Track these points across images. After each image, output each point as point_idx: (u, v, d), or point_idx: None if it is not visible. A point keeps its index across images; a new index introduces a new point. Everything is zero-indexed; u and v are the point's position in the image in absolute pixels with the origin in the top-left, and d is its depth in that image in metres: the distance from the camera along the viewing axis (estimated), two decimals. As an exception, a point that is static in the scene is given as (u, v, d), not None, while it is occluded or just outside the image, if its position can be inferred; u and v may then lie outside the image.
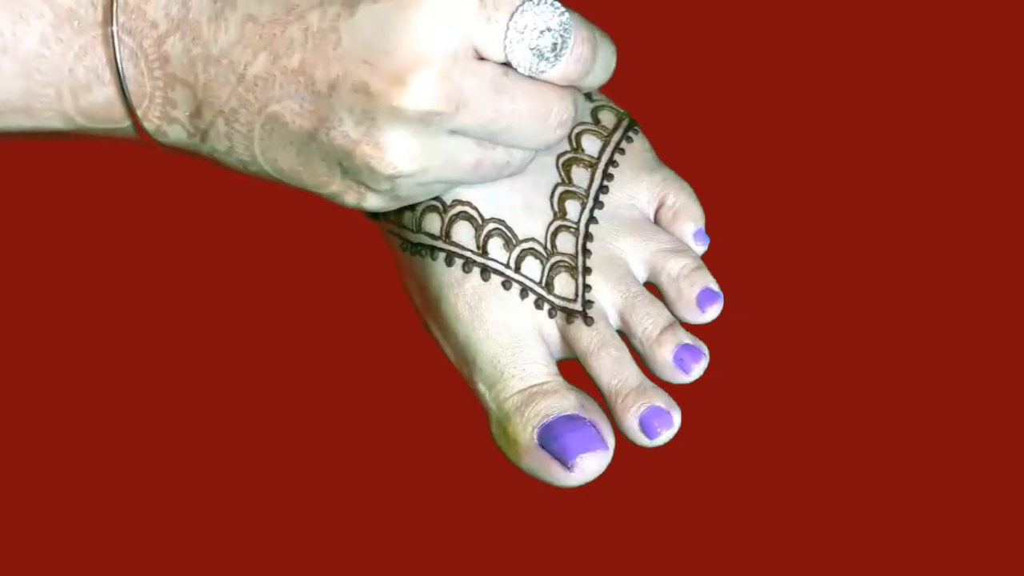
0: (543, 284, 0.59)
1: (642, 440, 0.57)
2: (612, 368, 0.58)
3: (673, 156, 0.63)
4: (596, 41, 0.55)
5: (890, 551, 0.61)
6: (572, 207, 0.60)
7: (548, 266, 0.59)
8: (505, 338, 0.58)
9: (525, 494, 0.59)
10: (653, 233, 0.61)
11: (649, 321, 0.59)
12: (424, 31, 0.50)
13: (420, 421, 0.62)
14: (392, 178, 0.53)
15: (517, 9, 0.52)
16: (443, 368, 0.60)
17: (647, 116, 0.63)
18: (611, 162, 0.61)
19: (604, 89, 0.63)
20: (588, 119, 0.62)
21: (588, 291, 0.59)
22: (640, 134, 0.63)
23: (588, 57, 0.55)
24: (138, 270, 0.63)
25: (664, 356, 0.58)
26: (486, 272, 0.58)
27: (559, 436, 0.57)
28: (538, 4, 0.52)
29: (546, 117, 0.55)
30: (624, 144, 0.62)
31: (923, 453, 0.62)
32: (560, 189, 0.60)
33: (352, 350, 0.63)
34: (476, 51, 0.52)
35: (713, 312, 0.60)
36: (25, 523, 0.59)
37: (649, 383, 0.58)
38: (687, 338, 0.59)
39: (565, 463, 0.56)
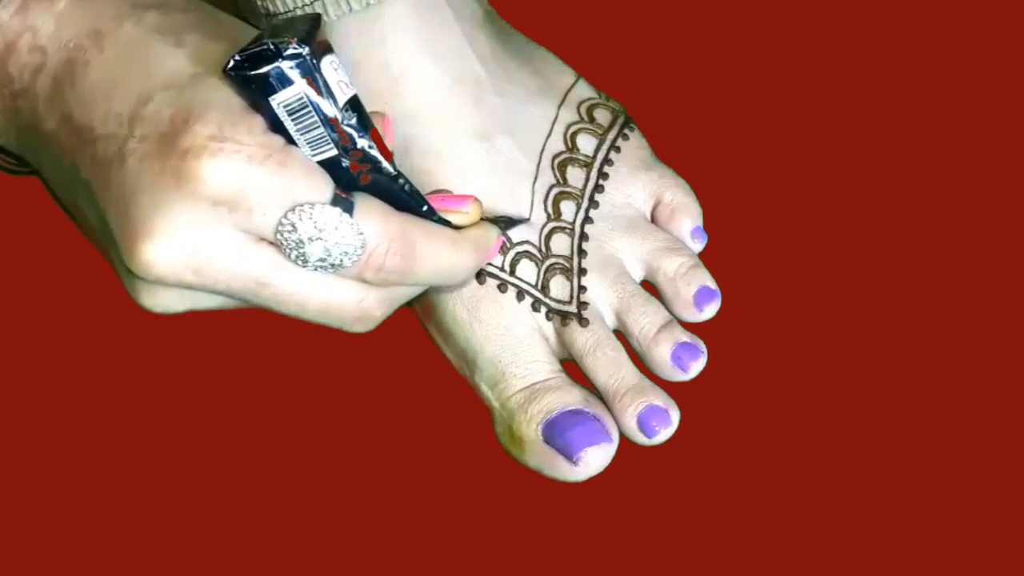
0: (539, 287, 0.59)
1: (640, 439, 0.57)
2: (608, 368, 0.58)
3: (670, 153, 0.63)
4: (414, 248, 0.50)
5: (889, 550, 0.61)
6: (567, 208, 0.60)
7: (543, 269, 0.59)
8: (505, 339, 0.58)
9: (528, 492, 0.59)
10: (649, 232, 0.61)
11: (646, 320, 0.59)
12: (172, 213, 0.47)
13: (422, 422, 0.62)
14: (144, 308, 0.51)
15: (292, 208, 0.47)
16: (444, 369, 0.61)
17: (643, 112, 0.63)
18: (606, 160, 0.61)
19: (599, 84, 0.63)
20: (584, 117, 0.62)
21: (584, 292, 0.59)
22: (636, 131, 0.63)
23: (394, 268, 0.49)
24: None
25: (662, 355, 0.58)
26: (481, 276, 0.58)
27: (564, 431, 0.57)
28: (313, 211, 0.48)
29: (328, 313, 0.50)
30: (620, 142, 0.62)
31: (922, 451, 0.61)
32: (555, 190, 0.60)
33: (353, 352, 0.63)
34: (249, 234, 0.48)
35: (711, 310, 0.60)
36: (24, 523, 0.59)
37: (647, 382, 0.58)
38: (685, 336, 0.59)
39: (570, 457, 0.56)
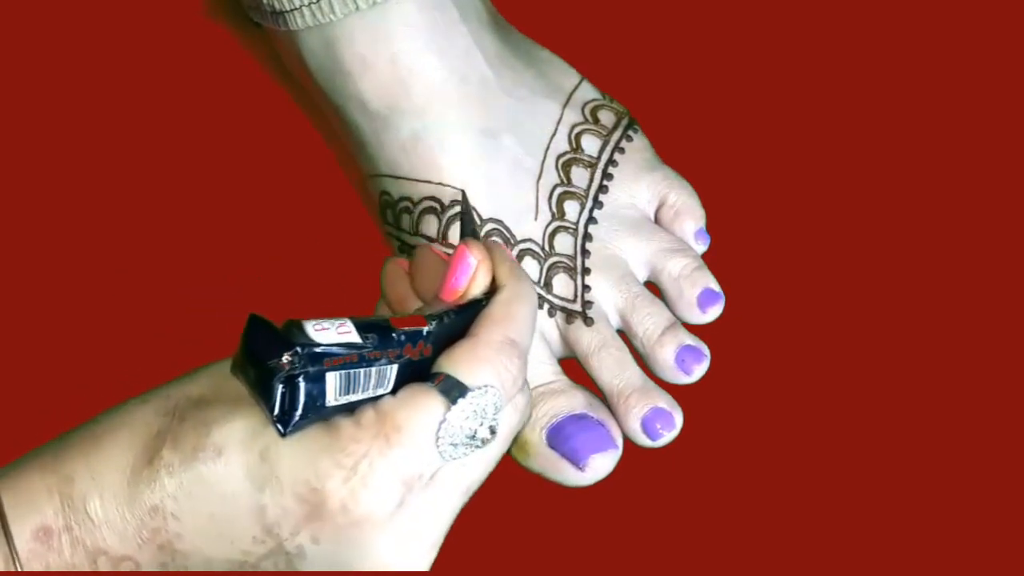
0: (541, 284, 0.59)
1: (644, 441, 0.57)
2: (614, 368, 0.58)
3: (673, 155, 0.63)
4: (522, 338, 0.50)
5: (890, 550, 0.61)
6: (571, 208, 0.60)
7: (546, 267, 0.59)
8: None
9: (528, 493, 0.59)
10: (653, 232, 0.60)
11: (650, 321, 0.59)
12: (388, 550, 0.47)
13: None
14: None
15: (436, 441, 0.47)
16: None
17: (646, 115, 0.63)
18: (611, 162, 0.61)
19: (601, 86, 0.63)
20: (588, 118, 0.62)
21: (588, 291, 0.59)
22: (640, 133, 0.63)
23: (520, 370, 0.49)
24: (141, 271, 0.64)
25: (665, 357, 0.58)
26: (484, 275, 0.58)
27: (570, 437, 0.56)
28: (443, 431, 0.47)
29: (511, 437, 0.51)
30: (624, 143, 0.62)
31: (923, 452, 0.61)
32: (559, 190, 0.60)
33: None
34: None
35: (714, 312, 0.59)
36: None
37: (651, 384, 0.58)
38: (689, 339, 0.58)
39: (577, 463, 0.56)
